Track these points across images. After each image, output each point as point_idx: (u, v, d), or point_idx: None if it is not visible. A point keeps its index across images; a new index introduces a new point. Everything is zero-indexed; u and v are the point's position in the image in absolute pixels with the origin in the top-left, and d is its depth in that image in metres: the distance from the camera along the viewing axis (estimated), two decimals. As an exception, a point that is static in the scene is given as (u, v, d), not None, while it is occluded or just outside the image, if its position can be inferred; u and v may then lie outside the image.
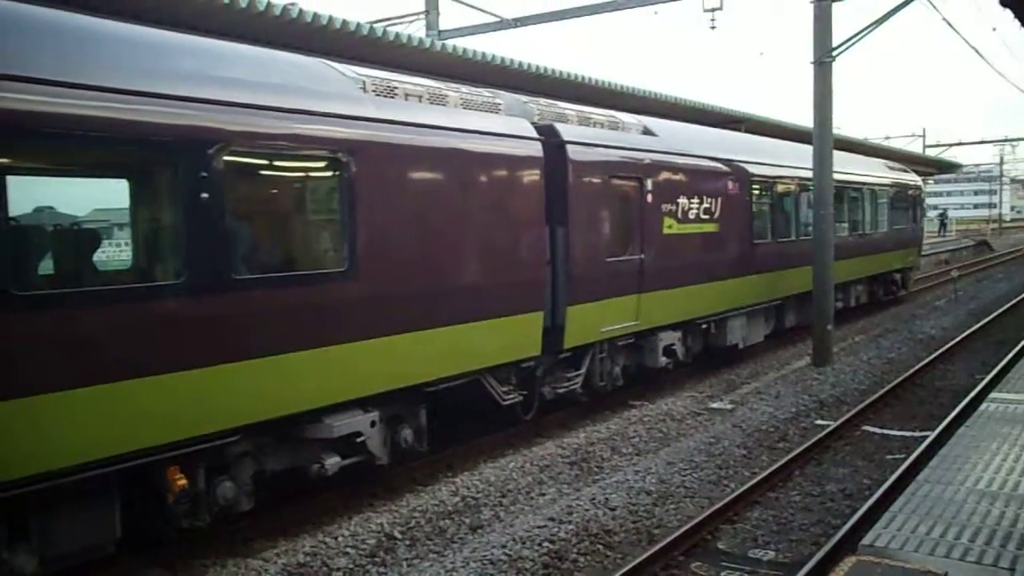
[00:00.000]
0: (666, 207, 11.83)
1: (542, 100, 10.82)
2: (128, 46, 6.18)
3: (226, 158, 6.36)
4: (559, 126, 10.07)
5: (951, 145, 52.11)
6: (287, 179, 7.63)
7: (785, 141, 18.49)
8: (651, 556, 6.50)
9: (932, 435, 9.48)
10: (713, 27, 16.82)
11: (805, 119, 15.62)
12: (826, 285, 14.53)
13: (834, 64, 14.09)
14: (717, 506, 7.55)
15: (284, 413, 6.85)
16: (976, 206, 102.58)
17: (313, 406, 7.10)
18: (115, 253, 7.55)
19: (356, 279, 7.32)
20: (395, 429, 8.10)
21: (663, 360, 12.09)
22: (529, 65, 13.52)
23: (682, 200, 12.16)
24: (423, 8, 17.88)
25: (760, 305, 14.86)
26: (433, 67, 12.18)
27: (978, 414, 8.79)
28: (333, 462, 7.33)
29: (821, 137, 14.32)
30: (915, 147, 48.80)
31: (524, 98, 10.50)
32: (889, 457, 9.37)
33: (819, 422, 10.95)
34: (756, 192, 14.64)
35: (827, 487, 8.44)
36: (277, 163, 7.24)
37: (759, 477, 8.38)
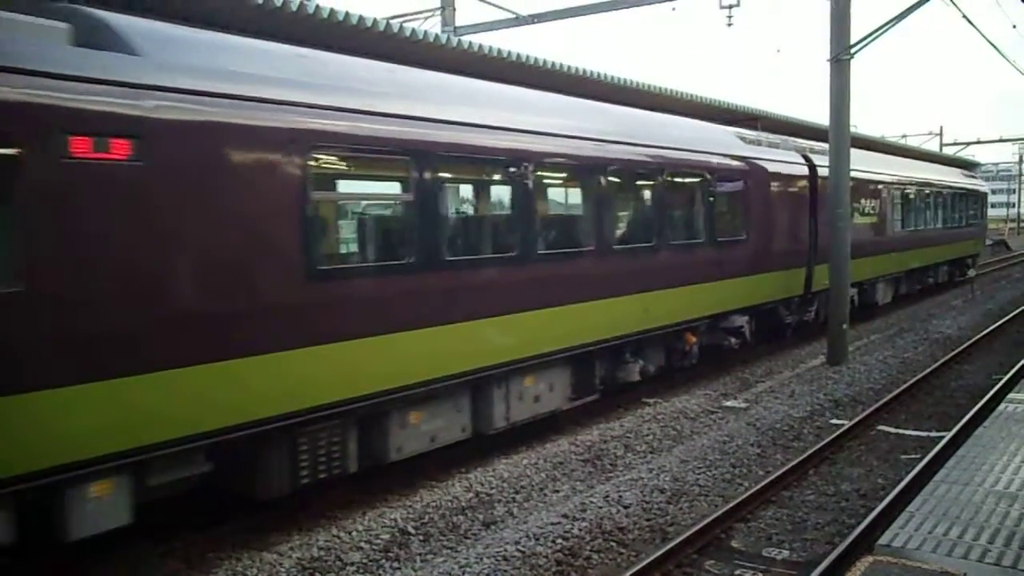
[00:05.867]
0: (853, 204, 16.69)
1: (792, 138, 17.28)
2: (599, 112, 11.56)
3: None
4: (811, 155, 16.28)
5: (969, 144, 51.77)
6: (724, 191, 13.43)
7: (914, 160, 26.21)
8: (665, 554, 6.49)
9: (948, 435, 9.42)
10: (730, 24, 16.80)
11: (822, 116, 16.86)
12: (843, 284, 14.51)
13: (851, 62, 14.00)
14: (731, 504, 7.53)
15: (716, 312, 12.92)
16: (994, 205, 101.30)
17: (727, 310, 13.21)
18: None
19: (748, 242, 13.77)
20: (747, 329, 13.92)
21: None
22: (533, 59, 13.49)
23: (861, 200, 18.31)
24: (439, 4, 17.89)
25: (891, 275, 21.09)
26: (457, 66, 12.10)
27: (996, 415, 8.74)
28: (735, 341, 13.59)
29: (838, 135, 14.23)
30: (932, 145, 48.45)
31: (789, 138, 17.11)
32: (904, 457, 9.32)
33: (834, 421, 10.91)
34: (893, 194, 20.88)
35: (842, 487, 8.41)
36: (721, 183, 13.23)
37: (773, 476, 8.35)
